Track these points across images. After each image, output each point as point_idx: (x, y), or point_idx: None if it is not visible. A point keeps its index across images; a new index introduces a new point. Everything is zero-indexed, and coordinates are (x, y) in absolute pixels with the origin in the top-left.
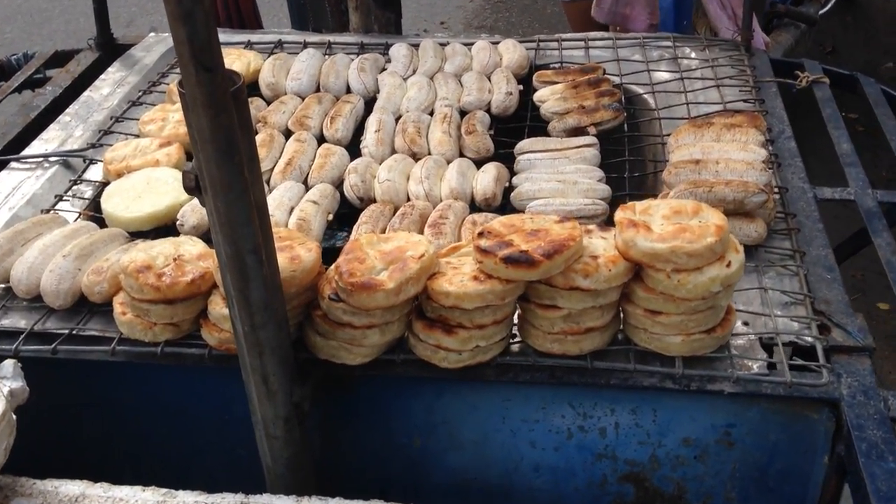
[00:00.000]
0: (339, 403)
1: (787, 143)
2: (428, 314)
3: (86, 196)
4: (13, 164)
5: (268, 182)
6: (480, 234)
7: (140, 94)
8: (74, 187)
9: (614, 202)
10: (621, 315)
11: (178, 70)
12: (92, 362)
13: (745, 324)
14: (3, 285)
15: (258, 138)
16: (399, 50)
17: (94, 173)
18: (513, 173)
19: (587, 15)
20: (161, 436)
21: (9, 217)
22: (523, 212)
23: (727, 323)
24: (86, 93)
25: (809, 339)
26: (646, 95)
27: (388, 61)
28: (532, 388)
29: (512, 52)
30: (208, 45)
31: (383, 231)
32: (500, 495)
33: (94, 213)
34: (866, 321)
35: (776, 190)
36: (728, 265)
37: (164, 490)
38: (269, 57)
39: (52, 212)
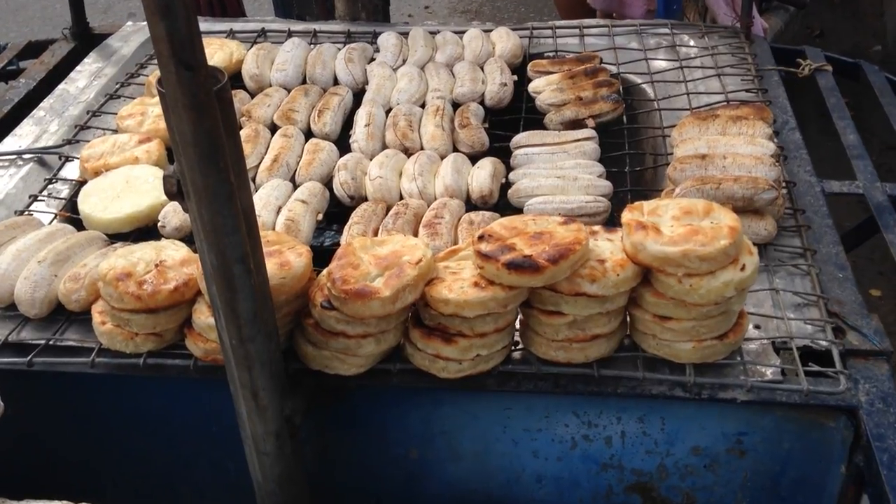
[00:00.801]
0: (333, 413)
1: (791, 134)
2: (426, 322)
3: (62, 196)
4: None
5: (253, 180)
6: (481, 238)
7: (118, 86)
8: (50, 186)
9: (615, 198)
10: (628, 320)
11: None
12: (70, 374)
13: (757, 327)
14: None
15: (242, 133)
16: (388, 39)
17: (71, 171)
18: (509, 169)
19: (579, 0)
20: (145, 450)
21: None
22: (521, 209)
23: (739, 328)
24: (61, 85)
25: (824, 342)
26: (644, 85)
27: (377, 51)
28: (535, 397)
29: (505, 40)
30: (189, 42)
31: (376, 231)
32: None
33: (70, 213)
34: None
35: (784, 185)
36: (742, 268)
37: None
38: (252, 47)
39: (26, 213)
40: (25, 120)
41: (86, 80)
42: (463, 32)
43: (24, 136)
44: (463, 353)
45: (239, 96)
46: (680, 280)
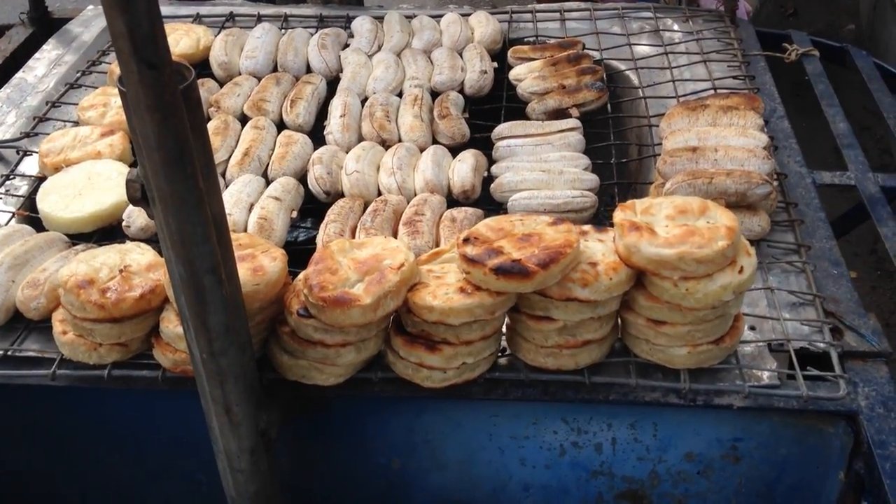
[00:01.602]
0: (310, 423)
1: (780, 122)
2: (408, 329)
3: (20, 193)
4: None
5: (223, 175)
6: (466, 241)
7: (78, 75)
8: (7, 183)
9: (602, 191)
10: (619, 324)
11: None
12: (31, 386)
13: (752, 328)
14: None
15: (211, 125)
16: (362, 24)
17: (29, 166)
18: (491, 161)
19: None
20: (111, 464)
21: None
22: (504, 204)
23: (735, 331)
24: (18, 74)
25: (822, 344)
26: (628, 72)
27: (351, 36)
28: (522, 404)
29: (485, 25)
30: (152, 38)
31: (354, 230)
32: None
33: (29, 212)
34: None
35: (776, 178)
36: (740, 271)
37: None
38: (220, 32)
39: None
40: None
41: (45, 68)
42: (440, 16)
43: None
44: (448, 361)
45: (207, 85)
46: (675, 283)
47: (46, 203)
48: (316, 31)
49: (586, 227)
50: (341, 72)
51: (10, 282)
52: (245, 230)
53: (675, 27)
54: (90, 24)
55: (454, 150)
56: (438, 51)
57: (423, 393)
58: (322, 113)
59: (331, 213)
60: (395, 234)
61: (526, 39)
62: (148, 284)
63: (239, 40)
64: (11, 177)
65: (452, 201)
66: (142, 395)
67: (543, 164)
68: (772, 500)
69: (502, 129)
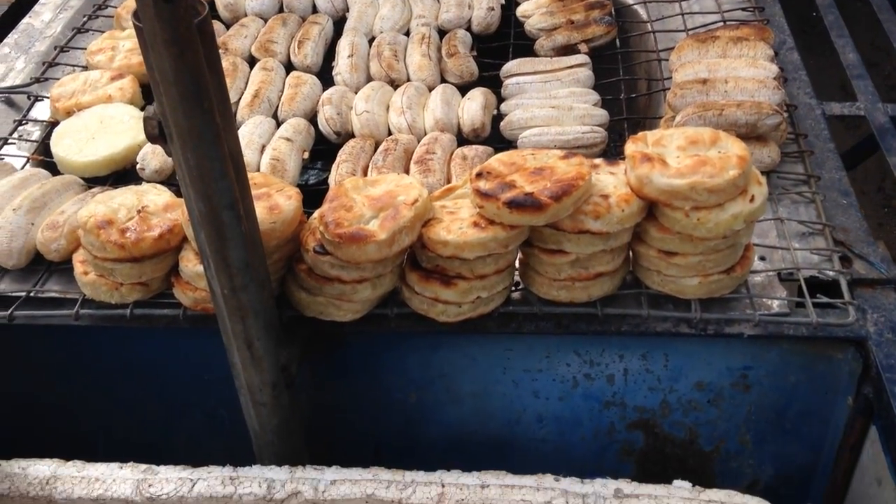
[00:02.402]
0: (329, 359)
1: (790, 54)
2: (423, 264)
3: (33, 138)
4: None
5: None
6: (479, 175)
7: (85, 19)
8: (20, 128)
9: (612, 127)
10: (631, 256)
11: None
12: (54, 327)
13: (762, 258)
14: None
15: None
16: None
17: (41, 111)
18: (500, 99)
19: None
20: (134, 402)
21: None
22: (514, 142)
23: (746, 261)
24: (25, 19)
25: (831, 272)
26: (636, 6)
27: None
28: (536, 337)
29: None
30: None
31: (365, 169)
32: (502, 448)
33: (43, 157)
34: None
35: (786, 109)
36: (751, 200)
37: (143, 466)
38: None
39: None
40: None
41: (51, 12)
42: None
43: None
44: (463, 295)
45: (214, 27)
46: (687, 214)
47: (61, 147)
48: None
49: (597, 161)
50: (347, 11)
51: (30, 224)
52: (258, 171)
53: None
54: None
55: (463, 89)
56: None
57: (439, 328)
58: (330, 53)
59: (342, 154)
60: (406, 173)
61: None
62: (166, 224)
63: None
64: (24, 122)
65: (462, 140)
66: (164, 334)
67: (553, 100)
68: (781, 426)
69: (511, 66)
